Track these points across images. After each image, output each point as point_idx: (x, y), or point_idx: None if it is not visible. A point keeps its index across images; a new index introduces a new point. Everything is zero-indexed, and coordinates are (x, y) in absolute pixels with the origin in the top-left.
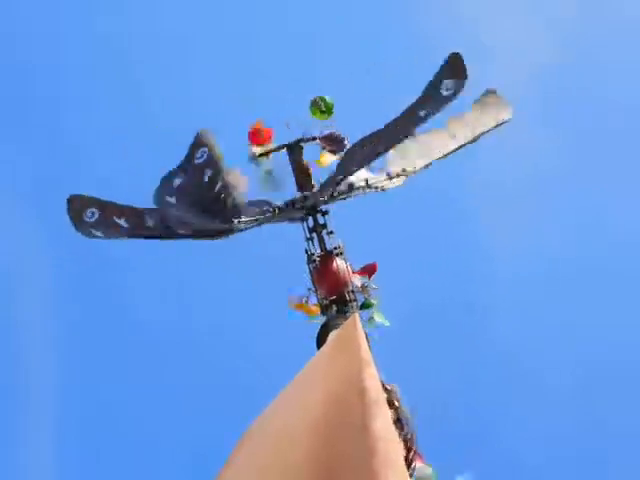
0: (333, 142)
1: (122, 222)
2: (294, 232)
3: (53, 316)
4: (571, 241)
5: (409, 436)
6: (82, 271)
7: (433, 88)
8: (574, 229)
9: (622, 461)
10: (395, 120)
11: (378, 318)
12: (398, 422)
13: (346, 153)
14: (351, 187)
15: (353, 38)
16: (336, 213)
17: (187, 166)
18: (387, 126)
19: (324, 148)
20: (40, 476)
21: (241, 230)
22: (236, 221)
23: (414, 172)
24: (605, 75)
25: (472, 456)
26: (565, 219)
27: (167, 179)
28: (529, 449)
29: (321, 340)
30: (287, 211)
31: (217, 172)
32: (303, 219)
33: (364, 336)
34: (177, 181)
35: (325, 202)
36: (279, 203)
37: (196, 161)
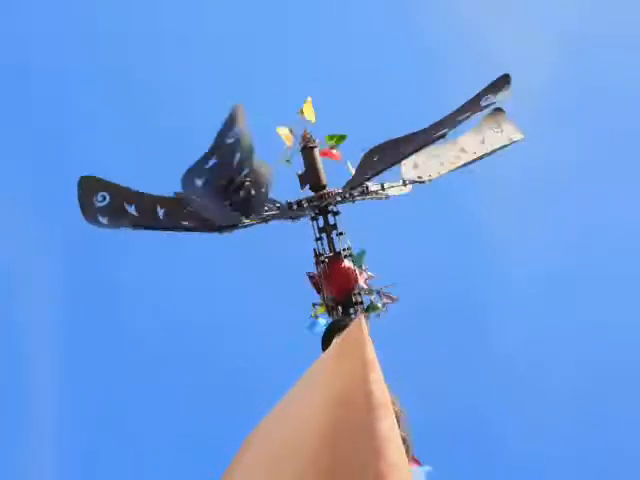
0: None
1: (132, 210)
2: (301, 231)
3: (53, 316)
4: (580, 243)
5: (406, 439)
6: (82, 271)
7: (474, 100)
8: (583, 231)
9: (623, 461)
10: (432, 125)
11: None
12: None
13: (365, 155)
14: (366, 190)
15: (353, 38)
16: (344, 214)
17: (218, 146)
18: (418, 132)
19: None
20: (40, 476)
21: (247, 225)
22: (269, 213)
23: (429, 180)
24: (614, 75)
25: (473, 456)
26: (574, 221)
27: (200, 162)
28: (532, 450)
29: (326, 342)
30: (298, 209)
31: (246, 157)
32: (314, 218)
33: (370, 338)
34: (210, 162)
35: (339, 202)
36: (289, 200)
37: (227, 140)
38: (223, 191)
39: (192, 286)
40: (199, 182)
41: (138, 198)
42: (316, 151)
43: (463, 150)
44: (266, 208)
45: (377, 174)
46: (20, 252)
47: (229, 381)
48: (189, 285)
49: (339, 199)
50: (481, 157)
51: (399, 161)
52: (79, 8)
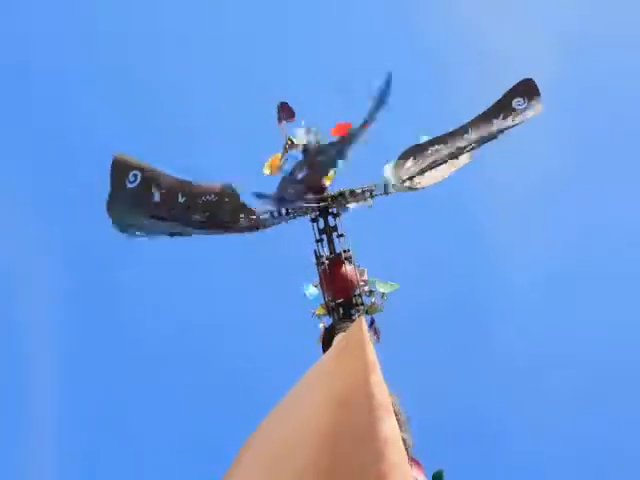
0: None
1: (157, 197)
2: (302, 232)
3: (53, 316)
4: (581, 244)
5: (405, 440)
6: (82, 271)
7: (504, 103)
8: (583, 232)
9: (623, 461)
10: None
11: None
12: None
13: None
14: (363, 190)
15: (353, 39)
16: (346, 215)
17: (120, 193)
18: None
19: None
20: (40, 476)
21: (268, 226)
22: (264, 217)
23: (422, 188)
24: (614, 76)
25: (473, 456)
26: (574, 223)
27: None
28: (532, 449)
29: (326, 343)
30: (300, 211)
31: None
32: (314, 220)
33: (370, 339)
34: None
35: (340, 205)
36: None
37: (130, 185)
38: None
39: (192, 286)
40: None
41: (166, 183)
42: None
43: (466, 134)
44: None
45: (411, 178)
46: (20, 252)
47: (229, 381)
48: (189, 285)
49: (342, 201)
50: (494, 136)
51: (435, 165)
52: (79, 8)
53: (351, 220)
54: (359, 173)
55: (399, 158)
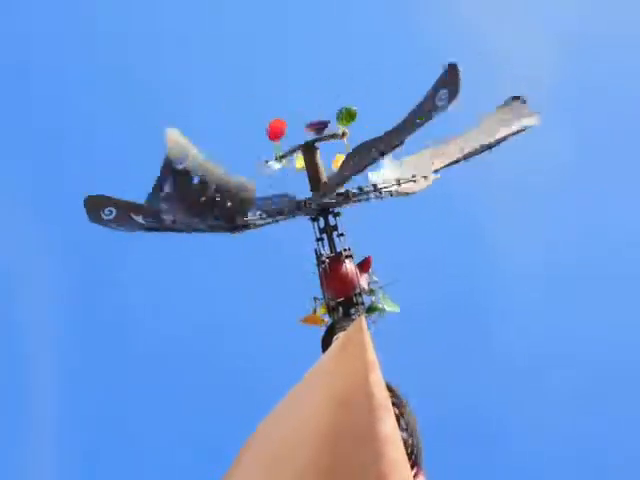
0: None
1: (139, 219)
2: (302, 232)
3: (53, 316)
4: (580, 243)
5: (413, 445)
6: (82, 271)
7: (429, 97)
8: (583, 231)
9: (623, 461)
10: (395, 127)
11: (388, 307)
12: (401, 430)
13: (346, 156)
14: (361, 190)
15: (352, 39)
16: (346, 214)
17: (168, 172)
18: (387, 132)
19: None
20: (40, 476)
21: (258, 226)
22: (251, 216)
23: (423, 179)
24: (614, 76)
25: (473, 455)
26: (574, 221)
27: (154, 191)
28: (532, 449)
29: (326, 343)
30: (299, 211)
31: (205, 175)
32: (314, 220)
33: (370, 339)
34: (165, 189)
35: (337, 204)
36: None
37: (178, 167)
38: (195, 210)
39: (192, 286)
40: (164, 205)
41: (142, 210)
42: (317, 153)
43: (463, 147)
44: (272, 209)
45: (351, 175)
46: (20, 252)
47: (229, 381)
48: (189, 285)
49: (335, 200)
50: (489, 147)
51: (369, 164)
52: (79, 8)
53: (351, 220)
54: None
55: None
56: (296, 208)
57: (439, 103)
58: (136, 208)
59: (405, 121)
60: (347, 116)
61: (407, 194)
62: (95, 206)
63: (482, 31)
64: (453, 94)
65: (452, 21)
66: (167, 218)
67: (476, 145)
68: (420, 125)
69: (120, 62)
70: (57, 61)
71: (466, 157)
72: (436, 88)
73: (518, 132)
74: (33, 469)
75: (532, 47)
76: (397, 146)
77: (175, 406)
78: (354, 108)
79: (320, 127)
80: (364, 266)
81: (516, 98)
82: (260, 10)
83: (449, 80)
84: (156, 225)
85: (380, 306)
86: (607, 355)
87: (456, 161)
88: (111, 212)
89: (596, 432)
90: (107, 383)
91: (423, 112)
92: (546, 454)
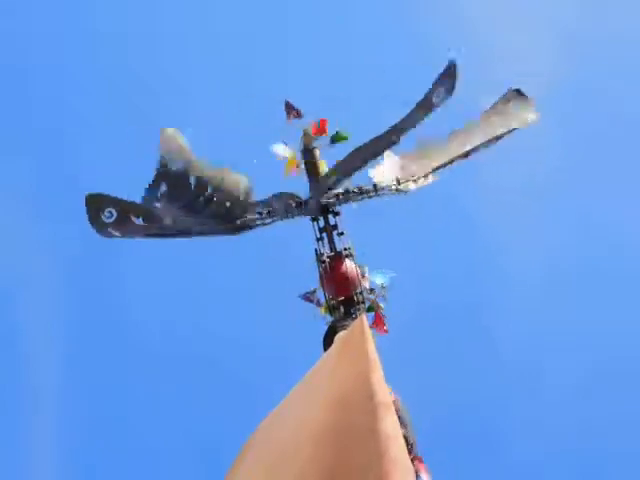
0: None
1: (139, 221)
2: (302, 231)
3: (53, 316)
4: (579, 244)
5: (409, 441)
6: (83, 271)
7: (428, 95)
8: (582, 232)
9: (623, 461)
10: (391, 128)
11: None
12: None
13: (345, 158)
14: (360, 190)
15: (352, 39)
16: (346, 214)
17: (163, 172)
18: (384, 134)
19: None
20: (40, 476)
21: (259, 226)
22: (251, 217)
23: (423, 178)
24: (613, 77)
25: (474, 455)
26: (573, 222)
27: (150, 191)
28: (535, 451)
29: (328, 342)
30: (299, 210)
31: (201, 174)
32: (314, 219)
33: (371, 338)
34: (162, 188)
35: (337, 204)
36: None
37: (173, 167)
38: (194, 209)
39: (192, 287)
40: (161, 204)
41: (143, 211)
42: (317, 153)
43: (464, 144)
44: (274, 208)
45: (352, 173)
46: (20, 252)
47: (229, 381)
48: (189, 285)
49: (334, 200)
50: (489, 143)
51: (360, 167)
52: (79, 8)
53: (351, 219)
54: (359, 173)
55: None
56: (298, 207)
57: (436, 100)
58: (136, 209)
59: (405, 118)
60: (339, 139)
61: (406, 192)
62: (96, 205)
63: (482, 31)
64: (450, 91)
65: (452, 21)
66: (167, 219)
67: (477, 142)
68: (418, 121)
69: (120, 62)
70: (57, 61)
71: (467, 154)
72: (435, 86)
73: (518, 128)
74: (33, 469)
75: (532, 47)
76: (394, 143)
77: (175, 406)
78: (345, 134)
79: (294, 112)
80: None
81: (517, 91)
82: (259, 9)
83: (448, 78)
84: (156, 229)
85: (380, 305)
86: (607, 355)
87: (457, 158)
88: (111, 214)
89: (596, 432)
90: (107, 383)
91: (423, 108)
92: (546, 454)
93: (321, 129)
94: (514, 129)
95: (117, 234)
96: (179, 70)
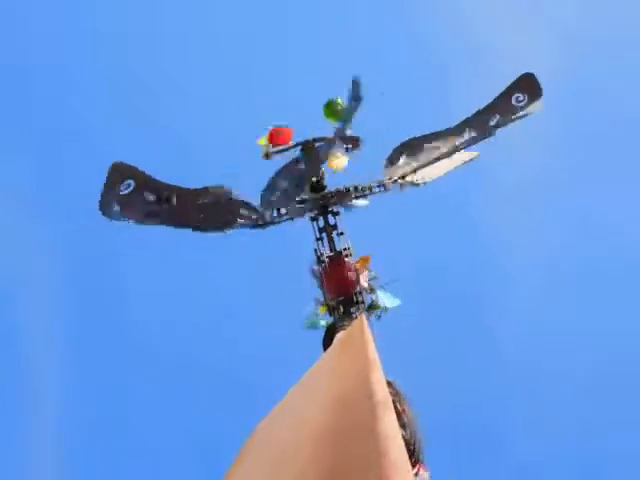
0: (348, 141)
1: (150, 197)
2: (301, 232)
3: (54, 316)
4: (580, 243)
5: (414, 442)
6: (83, 271)
7: (503, 98)
8: (583, 231)
9: (623, 461)
10: (460, 124)
11: (387, 302)
12: (402, 427)
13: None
14: (357, 189)
15: (352, 39)
16: (346, 213)
17: (113, 200)
18: (444, 131)
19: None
20: (40, 476)
21: (275, 223)
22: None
23: (424, 184)
24: (614, 76)
25: (474, 455)
26: (574, 221)
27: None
28: (535, 451)
29: (327, 342)
30: (298, 210)
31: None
32: (314, 219)
33: (371, 337)
34: (126, 189)
35: (336, 203)
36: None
37: (122, 192)
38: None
39: (193, 286)
40: (117, 207)
41: (157, 188)
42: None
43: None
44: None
45: (409, 173)
46: (20, 252)
47: (229, 381)
48: (190, 285)
49: (335, 199)
50: (490, 132)
51: (431, 162)
52: (79, 8)
53: (351, 219)
54: (358, 172)
55: (389, 157)
56: (297, 207)
57: (516, 104)
58: (152, 184)
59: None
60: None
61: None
62: (119, 174)
63: (482, 30)
64: (534, 99)
65: (452, 21)
66: (175, 200)
67: (481, 128)
68: (497, 127)
69: (120, 62)
70: (57, 61)
71: (472, 142)
72: (510, 92)
73: (523, 116)
74: (33, 469)
75: (532, 46)
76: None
77: (175, 406)
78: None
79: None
80: (362, 264)
81: (527, 76)
82: (259, 9)
83: (527, 87)
84: (164, 209)
85: (381, 305)
86: (608, 355)
87: (463, 144)
88: (129, 186)
89: (596, 432)
90: (107, 383)
91: (496, 112)
92: (547, 454)
93: (283, 138)
94: (517, 118)
95: (117, 209)
96: (179, 70)
